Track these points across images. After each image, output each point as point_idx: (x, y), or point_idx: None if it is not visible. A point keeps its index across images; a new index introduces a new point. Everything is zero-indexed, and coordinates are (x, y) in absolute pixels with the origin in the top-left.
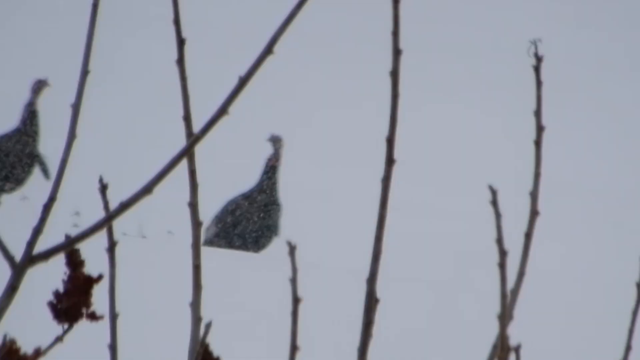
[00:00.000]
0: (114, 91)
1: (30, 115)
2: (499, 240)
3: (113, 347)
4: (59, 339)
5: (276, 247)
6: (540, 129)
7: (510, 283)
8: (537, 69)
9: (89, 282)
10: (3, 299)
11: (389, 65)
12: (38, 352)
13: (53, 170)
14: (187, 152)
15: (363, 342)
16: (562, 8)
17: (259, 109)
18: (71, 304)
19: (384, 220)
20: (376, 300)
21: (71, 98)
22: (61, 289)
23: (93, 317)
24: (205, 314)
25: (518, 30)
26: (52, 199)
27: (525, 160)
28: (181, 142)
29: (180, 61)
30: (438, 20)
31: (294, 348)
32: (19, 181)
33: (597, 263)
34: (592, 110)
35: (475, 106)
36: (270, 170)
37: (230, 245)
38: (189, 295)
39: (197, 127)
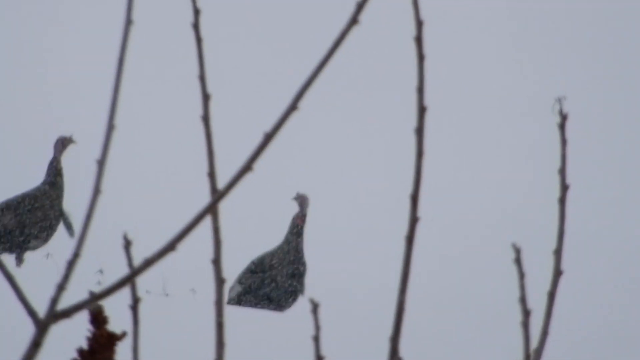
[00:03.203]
0: (138, 147)
1: (54, 173)
2: (523, 299)
3: None
4: None
5: (300, 305)
6: (564, 187)
7: (534, 342)
8: (562, 127)
9: (113, 339)
10: (27, 356)
11: (414, 122)
12: None
13: (77, 228)
14: (211, 209)
15: None
16: (588, 66)
17: (284, 165)
18: None
19: (408, 279)
20: (399, 359)
21: (96, 154)
22: (85, 345)
23: None
24: None
25: (543, 87)
26: (76, 256)
27: (549, 218)
28: (205, 198)
29: (205, 117)
30: (463, 78)
31: None
32: (43, 238)
33: (621, 320)
34: (616, 168)
35: (499, 164)
36: (296, 229)
37: (254, 304)
38: (212, 353)
39: (221, 184)
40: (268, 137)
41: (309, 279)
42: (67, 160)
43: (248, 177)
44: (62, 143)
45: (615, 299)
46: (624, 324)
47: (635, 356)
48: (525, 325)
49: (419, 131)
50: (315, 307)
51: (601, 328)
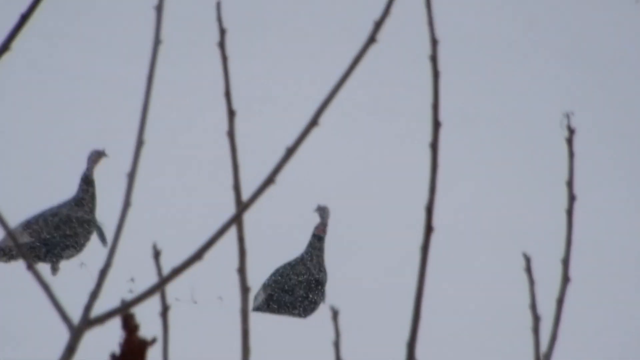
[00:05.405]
0: (166, 161)
1: (87, 184)
2: (533, 306)
3: None
4: None
5: (321, 312)
6: (572, 198)
7: (544, 347)
8: (569, 141)
9: (144, 344)
10: None
11: (429, 137)
12: None
13: (110, 238)
14: (236, 220)
15: None
16: (593, 81)
17: (305, 178)
18: None
19: (423, 286)
20: None
21: (126, 168)
22: (117, 351)
23: None
24: None
25: (552, 102)
26: (108, 265)
27: (557, 228)
28: (230, 210)
29: (231, 133)
30: (474, 93)
31: None
32: (77, 248)
33: (630, 327)
34: (621, 180)
35: (509, 177)
36: (318, 239)
37: (278, 311)
38: (238, 358)
39: (245, 196)
40: (290, 152)
41: (330, 287)
42: (100, 173)
43: (271, 190)
44: (95, 156)
45: (620, 305)
46: (628, 329)
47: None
48: (536, 330)
49: (434, 146)
50: (335, 313)
51: (607, 332)
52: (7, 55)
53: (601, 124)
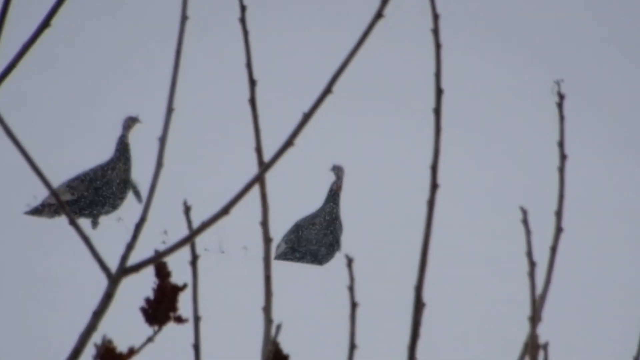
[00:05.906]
0: (196, 126)
1: (123, 147)
2: (529, 253)
3: (196, 346)
4: (150, 339)
5: (337, 260)
6: (563, 157)
7: (539, 290)
8: (560, 106)
9: (175, 290)
10: (100, 305)
11: (432, 103)
12: (132, 351)
13: (144, 195)
14: (259, 179)
15: (412, 341)
16: (583, 52)
17: (321, 141)
18: (160, 309)
19: (429, 237)
20: (423, 305)
21: (158, 132)
22: (151, 296)
23: (179, 320)
24: (276, 317)
25: (544, 70)
26: (142, 220)
27: (550, 184)
28: (253, 170)
29: (252, 100)
30: (474, 63)
31: (352, 346)
32: (115, 205)
33: (613, 272)
34: (608, 141)
35: (507, 138)
36: (334, 195)
37: (298, 259)
38: (261, 301)
39: (267, 157)
40: (306, 117)
41: (345, 238)
42: (134, 137)
43: (290, 151)
44: (129, 122)
45: (607, 251)
46: (616, 273)
47: (624, 300)
48: (531, 275)
49: (437, 111)
50: (350, 261)
51: (594, 276)
52: (47, 31)
53: (588, 90)
